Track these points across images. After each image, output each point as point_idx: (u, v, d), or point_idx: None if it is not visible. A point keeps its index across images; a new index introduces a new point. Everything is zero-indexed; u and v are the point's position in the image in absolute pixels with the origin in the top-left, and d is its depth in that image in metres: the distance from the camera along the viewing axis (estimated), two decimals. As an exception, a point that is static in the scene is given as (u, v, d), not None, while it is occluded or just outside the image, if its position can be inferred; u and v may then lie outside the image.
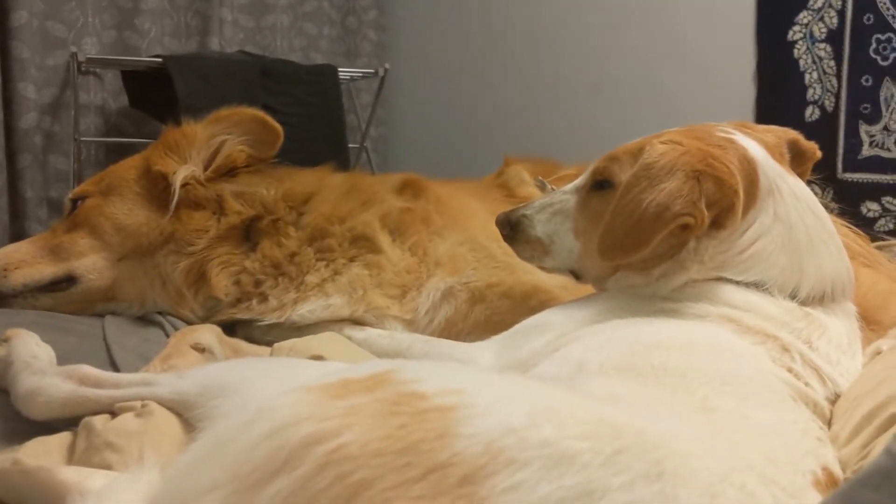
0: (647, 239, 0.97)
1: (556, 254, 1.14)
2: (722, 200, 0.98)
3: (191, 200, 1.49)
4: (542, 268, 1.19)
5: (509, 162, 1.76)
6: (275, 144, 1.57)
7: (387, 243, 1.46)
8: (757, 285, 0.99)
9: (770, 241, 1.00)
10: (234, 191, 1.51)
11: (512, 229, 1.17)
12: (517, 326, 1.10)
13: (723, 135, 1.05)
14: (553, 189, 1.59)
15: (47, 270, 1.48)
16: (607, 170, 1.07)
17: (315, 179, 1.58)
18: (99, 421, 0.92)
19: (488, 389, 0.63)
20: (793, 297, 0.99)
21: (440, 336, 1.37)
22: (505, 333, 1.11)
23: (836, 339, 0.97)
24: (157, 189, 1.51)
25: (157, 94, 2.46)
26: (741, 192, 0.99)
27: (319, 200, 1.52)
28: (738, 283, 0.99)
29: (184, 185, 1.49)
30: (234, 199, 1.49)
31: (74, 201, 1.54)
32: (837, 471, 0.77)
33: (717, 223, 0.99)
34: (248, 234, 1.49)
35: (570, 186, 1.15)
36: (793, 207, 1.03)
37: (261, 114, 1.57)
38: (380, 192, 1.56)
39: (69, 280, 1.49)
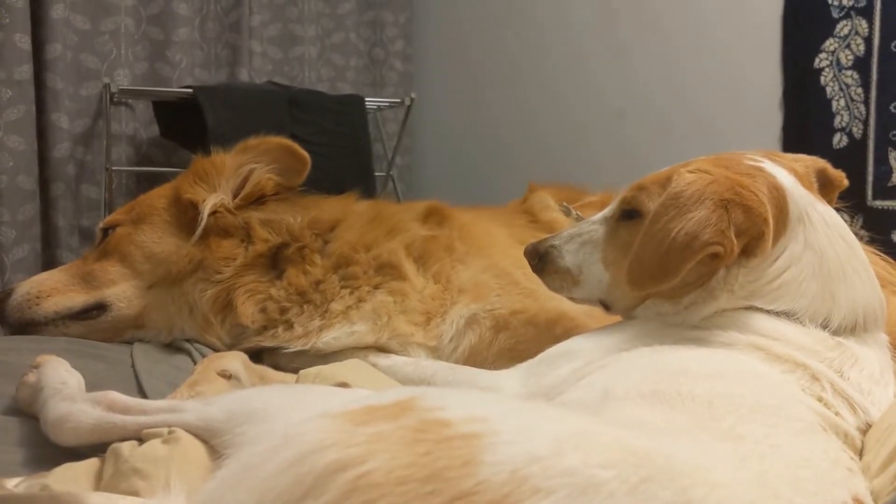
0: (676, 268, 0.96)
1: (585, 284, 1.14)
2: (751, 229, 0.97)
3: (220, 228, 1.51)
4: (571, 298, 1.18)
5: (534, 189, 1.76)
6: (302, 172, 1.59)
7: (411, 271, 1.46)
8: (788, 314, 0.98)
9: (801, 269, 0.99)
10: (261, 218, 1.52)
11: (540, 260, 1.17)
12: (543, 354, 1.10)
13: (751, 163, 1.05)
14: (578, 215, 1.58)
15: (79, 299, 1.50)
16: (635, 199, 1.07)
17: (340, 207, 1.60)
18: (126, 447, 0.92)
19: (513, 417, 0.63)
20: (824, 326, 0.98)
21: (465, 364, 1.36)
22: (531, 361, 1.11)
23: (868, 369, 0.95)
24: (186, 217, 1.53)
25: (187, 124, 2.50)
26: (770, 220, 0.98)
27: (345, 228, 1.53)
28: (768, 311, 0.98)
29: (213, 213, 1.51)
30: (262, 227, 1.51)
31: (105, 230, 1.57)
32: (869, 501, 0.76)
33: (748, 252, 0.99)
34: (275, 262, 1.50)
35: (598, 216, 1.15)
36: (824, 235, 1.02)
37: (288, 142, 1.59)
38: (404, 220, 1.56)
39: (100, 308, 1.51)
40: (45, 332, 1.49)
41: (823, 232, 1.02)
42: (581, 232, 1.15)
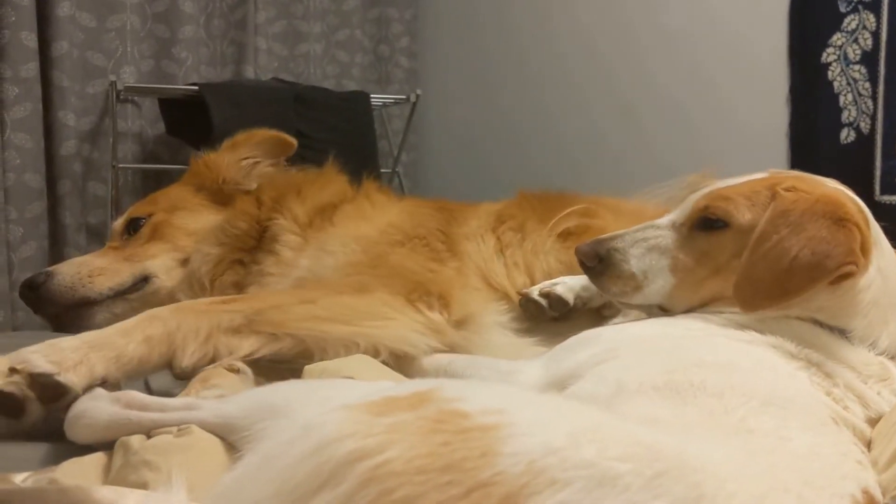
0: (801, 288, 0.95)
1: (646, 290, 1.10)
2: (862, 250, 0.97)
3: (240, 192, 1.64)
4: (626, 304, 1.14)
5: (521, 194, 1.74)
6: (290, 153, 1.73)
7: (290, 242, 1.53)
8: (842, 331, 0.98)
9: (871, 293, 0.99)
10: (269, 177, 1.65)
11: (601, 262, 1.12)
12: (566, 341, 1.09)
13: (832, 184, 1.05)
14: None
15: (126, 273, 1.55)
16: (720, 209, 1.05)
17: (319, 175, 1.67)
18: (136, 440, 0.92)
19: (530, 409, 0.64)
20: (871, 347, 0.98)
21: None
22: (554, 348, 1.10)
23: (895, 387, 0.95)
24: (221, 196, 1.63)
25: (193, 122, 2.51)
26: (870, 241, 0.99)
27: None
28: (822, 325, 0.98)
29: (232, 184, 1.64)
30: (269, 185, 1.62)
31: (133, 220, 1.63)
32: (878, 494, 0.76)
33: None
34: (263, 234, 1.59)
35: (663, 221, 1.12)
36: (890, 262, 1.02)
37: (274, 132, 1.70)
38: (338, 188, 1.64)
39: (144, 280, 1.57)
40: (96, 313, 1.52)
41: (889, 258, 1.03)
42: (646, 237, 1.11)
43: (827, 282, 0.95)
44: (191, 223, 1.60)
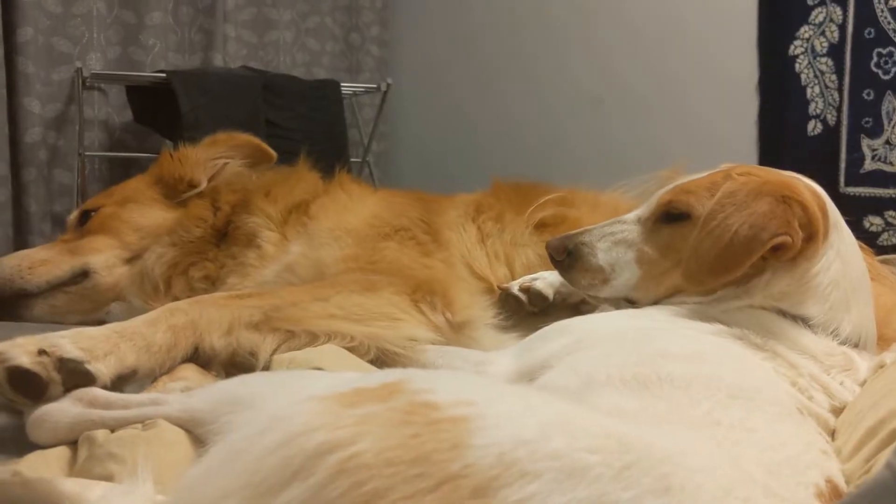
0: (740, 261, 0.98)
1: (614, 283, 1.13)
2: (807, 226, 0.99)
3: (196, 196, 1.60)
4: (594, 297, 1.18)
5: (497, 184, 1.74)
6: (269, 165, 1.69)
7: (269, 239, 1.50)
8: (805, 319, 1.00)
9: (830, 276, 1.01)
10: (227, 181, 1.62)
11: (569, 256, 1.16)
12: (539, 331, 1.10)
13: (787, 172, 1.08)
14: None
15: (66, 266, 1.54)
16: (682, 202, 1.08)
17: (290, 171, 1.65)
18: (101, 433, 0.91)
19: (500, 401, 0.63)
20: (834, 335, 1.00)
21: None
22: (526, 338, 1.12)
23: (858, 375, 0.97)
24: (175, 192, 1.60)
25: (160, 109, 2.48)
26: (821, 220, 1.00)
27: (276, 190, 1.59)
28: (785, 314, 1.00)
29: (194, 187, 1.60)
30: (227, 189, 1.59)
31: (86, 213, 1.61)
32: (842, 483, 0.78)
33: (799, 254, 1.00)
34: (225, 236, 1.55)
35: (629, 216, 1.15)
36: (850, 247, 1.05)
37: (256, 140, 1.68)
38: (306, 186, 1.61)
39: (83, 274, 1.54)
40: (34, 305, 1.52)
41: (850, 243, 1.05)
42: (613, 231, 1.15)
43: (760, 253, 0.97)
44: (139, 218, 1.57)
